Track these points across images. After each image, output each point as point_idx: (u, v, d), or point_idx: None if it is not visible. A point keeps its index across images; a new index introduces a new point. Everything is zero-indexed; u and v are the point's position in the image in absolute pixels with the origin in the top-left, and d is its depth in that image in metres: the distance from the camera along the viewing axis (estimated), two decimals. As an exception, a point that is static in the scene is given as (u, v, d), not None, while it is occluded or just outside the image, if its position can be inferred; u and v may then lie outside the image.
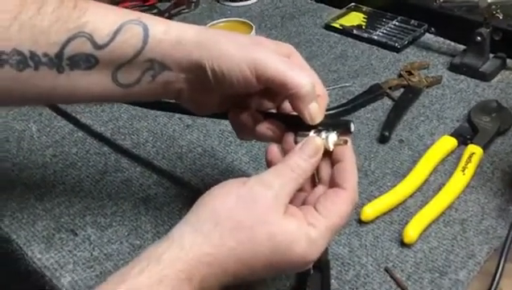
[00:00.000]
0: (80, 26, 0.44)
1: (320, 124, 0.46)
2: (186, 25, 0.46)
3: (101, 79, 0.46)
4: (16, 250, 0.57)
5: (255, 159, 0.67)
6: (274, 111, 0.49)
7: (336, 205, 0.43)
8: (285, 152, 0.46)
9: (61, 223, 0.59)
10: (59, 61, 0.44)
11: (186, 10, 1.00)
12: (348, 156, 0.46)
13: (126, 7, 1.00)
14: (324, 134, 0.45)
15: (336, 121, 0.48)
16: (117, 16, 0.45)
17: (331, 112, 0.73)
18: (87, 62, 0.45)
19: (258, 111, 0.48)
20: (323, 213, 0.42)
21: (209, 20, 0.94)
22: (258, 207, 0.41)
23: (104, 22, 0.44)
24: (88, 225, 0.59)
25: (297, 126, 0.46)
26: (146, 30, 0.44)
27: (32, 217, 0.60)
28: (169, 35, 0.45)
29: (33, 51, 0.44)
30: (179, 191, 0.63)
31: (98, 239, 0.57)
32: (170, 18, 0.97)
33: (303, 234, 0.41)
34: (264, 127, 0.48)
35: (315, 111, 0.45)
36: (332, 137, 0.45)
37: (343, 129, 0.46)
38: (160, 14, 0.96)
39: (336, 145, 0.45)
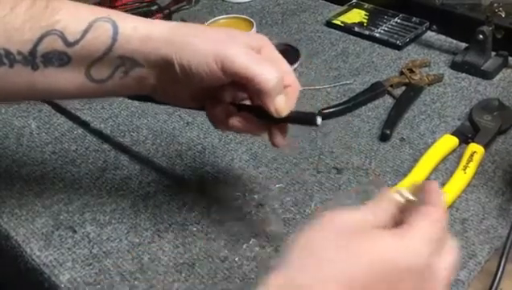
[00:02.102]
0: (52, 24, 0.45)
1: (287, 117, 0.47)
2: (156, 21, 0.48)
3: (75, 75, 0.47)
4: (15, 247, 0.57)
5: (255, 157, 0.67)
6: (248, 103, 0.50)
7: (419, 213, 0.38)
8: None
9: (60, 220, 0.59)
10: (33, 58, 0.45)
11: (186, 7, 0.99)
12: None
13: (126, 4, 0.99)
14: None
15: (302, 114, 0.48)
16: (88, 14, 0.46)
17: (331, 110, 0.72)
18: (60, 59, 0.46)
19: (231, 103, 0.49)
20: (408, 223, 0.37)
21: (210, 16, 0.94)
22: None
23: (75, 20, 0.46)
24: (88, 223, 0.58)
25: (268, 117, 0.47)
26: (115, 27, 0.45)
27: (31, 214, 0.60)
28: (138, 31, 0.46)
29: (7, 48, 0.45)
30: (179, 189, 0.62)
31: (97, 237, 0.57)
32: (170, 14, 0.96)
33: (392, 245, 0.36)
34: (236, 121, 0.49)
35: (281, 105, 0.46)
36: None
37: (308, 122, 0.47)
38: (160, 10, 0.96)
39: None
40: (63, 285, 0.52)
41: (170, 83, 0.47)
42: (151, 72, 0.47)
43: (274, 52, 0.49)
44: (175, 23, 0.48)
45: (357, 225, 0.36)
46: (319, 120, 0.46)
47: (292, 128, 0.50)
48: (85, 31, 0.45)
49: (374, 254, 0.34)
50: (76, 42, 0.45)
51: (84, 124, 0.72)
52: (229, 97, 0.49)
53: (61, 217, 0.59)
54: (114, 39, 0.45)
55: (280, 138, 0.49)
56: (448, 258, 0.37)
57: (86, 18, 0.46)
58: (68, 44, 0.45)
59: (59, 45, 0.45)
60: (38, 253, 0.55)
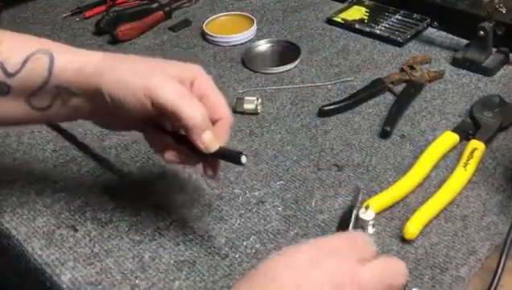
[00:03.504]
0: None
1: (215, 153, 0.47)
2: (92, 53, 0.50)
3: (16, 104, 0.49)
4: (16, 246, 0.57)
5: (256, 155, 0.67)
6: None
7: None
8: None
9: (61, 219, 0.59)
10: None
11: (187, 4, 0.99)
12: None
13: (126, 1, 0.99)
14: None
15: (229, 152, 0.48)
16: (28, 46, 0.49)
17: (332, 107, 0.72)
18: (0, 89, 0.48)
19: (170, 133, 0.50)
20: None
21: (210, 14, 0.94)
22: None
23: (15, 51, 0.48)
24: (89, 221, 0.59)
25: (198, 151, 0.48)
26: (51, 59, 0.48)
27: (32, 212, 0.60)
28: (73, 63, 0.48)
29: None
30: (180, 186, 0.63)
31: (98, 235, 0.57)
32: (170, 12, 0.96)
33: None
34: (171, 155, 0.50)
35: (209, 141, 0.47)
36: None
37: (234, 160, 0.47)
38: (161, 7, 0.96)
39: None
40: (64, 285, 0.52)
41: (105, 112, 0.48)
42: (87, 101, 0.49)
43: (208, 84, 0.50)
44: (108, 55, 0.50)
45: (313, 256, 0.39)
46: (243, 159, 0.46)
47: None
48: (24, 62, 0.48)
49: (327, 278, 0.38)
50: (16, 73, 0.48)
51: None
52: (169, 127, 0.50)
53: (62, 215, 0.59)
54: (50, 71, 0.48)
55: (211, 171, 0.50)
56: None
57: (25, 50, 0.48)
58: (8, 75, 0.48)
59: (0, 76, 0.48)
60: (39, 252, 0.55)
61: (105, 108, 0.48)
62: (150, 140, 0.52)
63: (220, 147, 0.48)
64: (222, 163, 0.65)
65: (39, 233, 0.57)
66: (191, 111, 0.46)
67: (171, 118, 0.47)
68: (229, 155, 0.48)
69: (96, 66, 0.48)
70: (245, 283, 0.39)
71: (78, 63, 0.48)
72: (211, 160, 0.50)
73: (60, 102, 0.49)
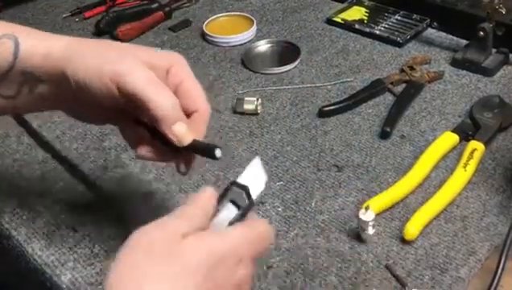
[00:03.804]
0: None
1: (189, 146, 0.44)
2: (59, 37, 0.47)
3: None
4: (16, 246, 0.57)
5: (255, 155, 0.66)
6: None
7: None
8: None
9: (61, 220, 0.59)
10: None
11: (187, 5, 0.99)
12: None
13: (126, 1, 0.99)
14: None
15: (204, 145, 0.44)
16: None
17: (332, 107, 0.72)
18: None
19: (146, 127, 0.46)
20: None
21: (210, 14, 0.94)
22: None
23: None
24: (88, 222, 0.59)
25: (172, 145, 0.44)
26: (16, 44, 0.46)
27: (32, 213, 0.60)
28: (39, 48, 0.45)
29: None
30: (179, 187, 0.63)
31: (98, 235, 0.57)
32: (170, 12, 0.96)
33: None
34: (144, 150, 0.46)
35: (180, 133, 0.43)
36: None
37: (208, 154, 0.43)
38: (161, 8, 0.96)
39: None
40: (64, 285, 0.52)
41: (71, 99, 0.46)
42: (54, 88, 0.46)
43: (185, 73, 0.47)
44: (76, 39, 0.47)
45: (164, 243, 0.37)
46: (218, 153, 0.43)
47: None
48: None
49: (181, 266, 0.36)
50: None
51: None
52: (144, 119, 0.46)
53: (62, 216, 0.59)
54: (15, 55, 0.45)
55: (184, 168, 0.47)
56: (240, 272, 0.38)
57: None
58: None
59: None
60: (39, 253, 0.55)
61: (71, 95, 0.45)
62: (125, 134, 0.49)
63: (195, 141, 0.44)
64: (224, 163, 0.65)
65: (39, 233, 0.57)
66: (160, 100, 0.42)
67: (140, 108, 0.43)
68: (204, 149, 0.44)
69: (63, 50, 0.45)
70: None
71: (44, 47, 0.45)
72: (185, 155, 0.47)
73: (27, 89, 0.46)
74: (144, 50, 0.46)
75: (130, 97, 0.43)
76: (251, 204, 0.41)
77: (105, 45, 0.46)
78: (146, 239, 0.37)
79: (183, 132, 0.43)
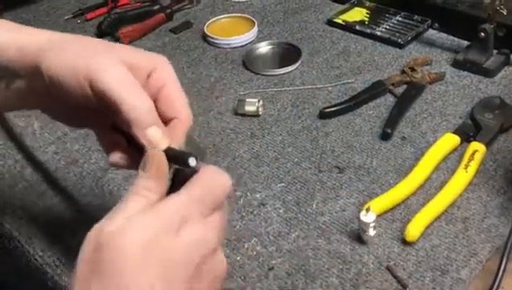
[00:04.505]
0: None
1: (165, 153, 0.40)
2: (40, 31, 0.44)
3: None
4: (18, 247, 0.57)
5: (257, 157, 0.67)
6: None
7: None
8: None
9: (63, 220, 0.59)
10: None
11: (188, 6, 0.99)
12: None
13: (127, 3, 1.00)
14: None
15: (178, 152, 0.40)
16: None
17: (333, 109, 0.72)
18: None
19: (123, 133, 0.43)
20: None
21: (211, 16, 0.94)
22: None
23: None
24: (90, 222, 0.58)
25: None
26: None
27: (34, 214, 0.60)
28: (16, 41, 0.43)
29: None
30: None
31: (100, 237, 0.57)
32: (172, 14, 0.96)
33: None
34: (117, 157, 0.43)
35: (155, 138, 0.40)
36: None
37: (182, 163, 0.39)
38: (162, 9, 0.96)
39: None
40: (66, 284, 0.53)
41: (48, 98, 0.43)
42: (30, 84, 0.44)
43: (168, 77, 0.43)
44: (57, 34, 0.44)
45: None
46: (192, 162, 0.38)
47: None
48: None
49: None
50: None
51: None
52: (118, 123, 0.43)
53: (64, 216, 0.59)
54: None
55: None
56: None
57: None
58: None
59: None
60: (40, 253, 0.56)
61: (45, 91, 0.42)
62: (101, 139, 0.45)
63: (169, 148, 0.40)
64: (225, 164, 0.65)
65: (40, 234, 0.58)
66: (132, 101, 0.39)
67: (113, 109, 0.40)
68: (177, 157, 0.40)
69: (41, 44, 0.42)
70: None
71: (22, 41, 0.43)
72: None
73: (5, 85, 0.44)
74: (128, 49, 0.43)
75: (102, 95, 0.40)
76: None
77: (85, 41, 0.43)
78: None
79: (157, 137, 0.40)
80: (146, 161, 0.38)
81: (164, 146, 0.40)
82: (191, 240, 0.35)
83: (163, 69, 0.43)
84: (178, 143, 0.41)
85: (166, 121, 0.42)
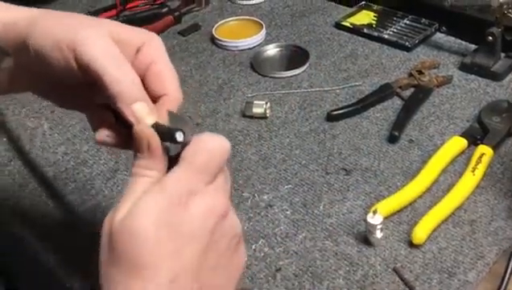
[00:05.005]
0: None
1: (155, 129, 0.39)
2: (28, 9, 0.43)
3: None
4: (28, 248, 0.58)
5: (264, 158, 0.67)
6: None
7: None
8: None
9: (73, 221, 0.60)
10: None
11: (196, 9, 1.00)
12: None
13: (137, 6, 1.00)
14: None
15: (165, 128, 0.39)
16: None
17: (340, 111, 0.73)
18: None
19: (112, 111, 0.41)
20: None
21: (220, 18, 0.95)
22: None
23: None
24: (99, 223, 0.59)
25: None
26: None
27: (44, 214, 0.61)
28: (2, 18, 0.42)
29: None
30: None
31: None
32: (180, 16, 0.97)
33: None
34: (103, 135, 0.41)
35: (141, 114, 0.38)
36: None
37: (169, 138, 0.38)
38: (171, 12, 0.97)
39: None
40: (75, 284, 0.53)
41: (36, 76, 0.42)
42: (17, 61, 0.42)
43: (157, 53, 0.42)
44: (46, 11, 0.43)
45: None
46: (179, 137, 0.37)
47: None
48: None
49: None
50: None
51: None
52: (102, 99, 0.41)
53: (74, 217, 0.60)
54: None
55: None
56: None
57: None
58: None
59: None
60: (51, 254, 0.56)
61: (31, 68, 0.41)
62: (89, 119, 0.44)
63: (157, 123, 0.39)
64: (232, 166, 0.66)
65: (50, 234, 0.58)
66: (116, 74, 0.38)
67: (97, 84, 0.38)
68: (164, 132, 0.38)
69: (28, 20, 0.41)
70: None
71: (9, 17, 0.42)
72: None
73: None
74: (116, 24, 0.42)
75: (86, 68, 0.38)
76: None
77: (73, 16, 0.42)
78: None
79: (143, 113, 0.38)
80: (136, 140, 0.37)
81: (151, 121, 0.38)
82: (201, 211, 0.35)
83: (151, 45, 0.42)
84: (164, 120, 0.40)
85: (155, 98, 0.41)
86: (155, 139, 0.37)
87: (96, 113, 0.43)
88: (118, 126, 0.41)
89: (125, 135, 0.40)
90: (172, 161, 0.38)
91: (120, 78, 0.38)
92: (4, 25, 0.41)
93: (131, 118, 0.38)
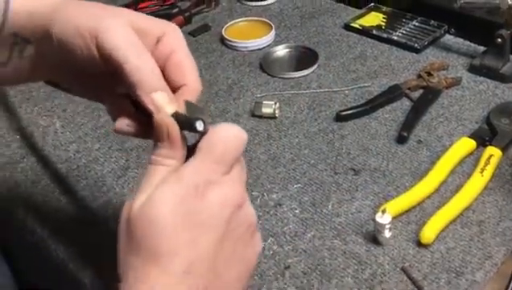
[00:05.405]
0: None
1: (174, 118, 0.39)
2: None
3: None
4: (40, 242, 0.59)
5: (273, 158, 0.68)
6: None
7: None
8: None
9: (84, 217, 0.61)
10: None
11: (206, 10, 1.01)
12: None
13: (148, 6, 1.01)
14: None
15: (184, 117, 0.39)
16: None
17: (349, 112, 0.73)
18: None
19: (132, 101, 0.42)
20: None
21: (229, 19, 0.95)
22: None
23: None
24: (110, 220, 0.60)
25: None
26: (6, 3, 0.42)
27: (56, 210, 0.61)
28: (26, 6, 0.42)
29: None
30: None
31: (120, 233, 0.58)
32: (190, 17, 0.98)
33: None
34: (123, 124, 0.42)
35: (161, 103, 0.39)
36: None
37: (189, 128, 0.39)
38: (181, 12, 0.97)
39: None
40: (87, 280, 0.54)
41: (58, 64, 0.43)
42: (39, 50, 0.43)
43: (177, 43, 0.42)
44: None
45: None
46: (199, 126, 0.38)
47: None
48: None
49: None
50: None
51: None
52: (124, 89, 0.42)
53: (85, 213, 0.61)
54: (5, 16, 0.42)
55: None
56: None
57: None
58: None
59: None
60: (63, 248, 0.57)
61: (53, 56, 0.42)
62: (109, 109, 0.45)
63: (176, 113, 0.39)
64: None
65: (62, 230, 0.59)
66: (136, 62, 0.38)
67: (118, 72, 0.39)
68: (183, 122, 0.38)
69: (53, 8, 0.41)
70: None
71: (32, 6, 0.42)
72: None
73: (17, 53, 0.43)
74: (137, 14, 0.42)
75: (108, 57, 0.39)
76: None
77: (95, 4, 0.42)
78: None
79: (163, 102, 0.39)
80: (156, 128, 0.38)
81: (171, 111, 0.39)
82: (217, 201, 0.36)
83: (171, 36, 0.42)
84: (182, 110, 0.40)
85: (175, 88, 0.42)
86: (175, 128, 0.38)
87: (116, 103, 0.43)
88: (138, 116, 0.42)
89: (145, 124, 0.41)
90: (190, 151, 0.38)
91: (140, 66, 0.39)
92: (28, 13, 0.42)
93: (151, 107, 0.39)
